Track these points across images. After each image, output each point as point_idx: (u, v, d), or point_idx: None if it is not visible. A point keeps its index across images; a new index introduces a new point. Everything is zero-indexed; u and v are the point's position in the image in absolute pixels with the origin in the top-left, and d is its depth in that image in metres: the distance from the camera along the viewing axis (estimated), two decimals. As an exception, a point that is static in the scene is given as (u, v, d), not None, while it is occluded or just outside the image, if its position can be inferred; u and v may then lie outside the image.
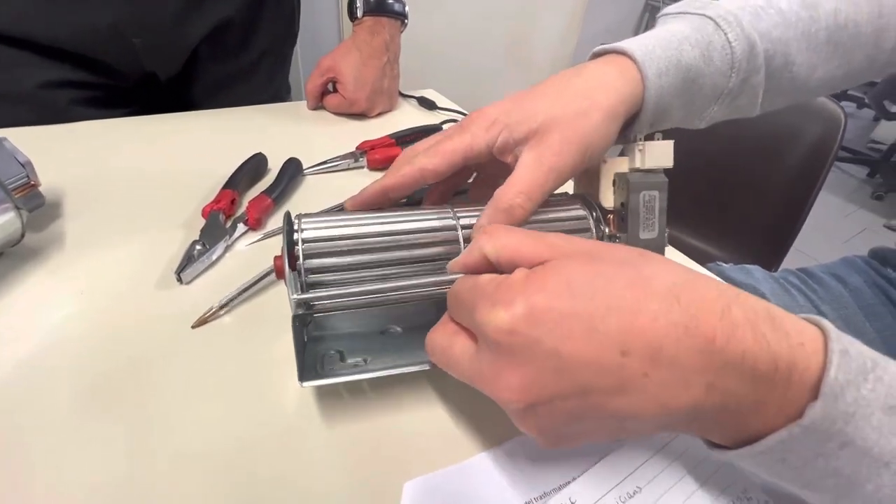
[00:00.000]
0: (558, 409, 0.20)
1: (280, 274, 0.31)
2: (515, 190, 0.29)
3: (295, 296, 0.27)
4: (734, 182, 1.02)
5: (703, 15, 0.32)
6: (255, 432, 0.27)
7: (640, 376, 0.19)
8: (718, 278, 0.43)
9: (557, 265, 0.21)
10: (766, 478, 0.22)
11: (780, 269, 0.94)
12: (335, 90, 0.65)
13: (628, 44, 0.31)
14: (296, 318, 0.28)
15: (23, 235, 0.37)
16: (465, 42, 1.93)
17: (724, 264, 0.63)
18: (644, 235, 0.35)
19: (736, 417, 0.20)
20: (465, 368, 0.23)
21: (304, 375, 0.26)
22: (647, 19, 2.52)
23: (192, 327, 0.32)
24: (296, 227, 0.29)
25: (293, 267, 0.28)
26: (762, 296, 0.55)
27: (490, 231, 0.24)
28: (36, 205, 0.39)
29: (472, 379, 0.23)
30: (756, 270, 0.60)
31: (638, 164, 0.32)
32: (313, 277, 0.29)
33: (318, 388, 0.30)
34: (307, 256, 0.28)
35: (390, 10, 0.62)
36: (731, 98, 0.33)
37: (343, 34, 1.67)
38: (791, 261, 0.93)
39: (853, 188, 2.43)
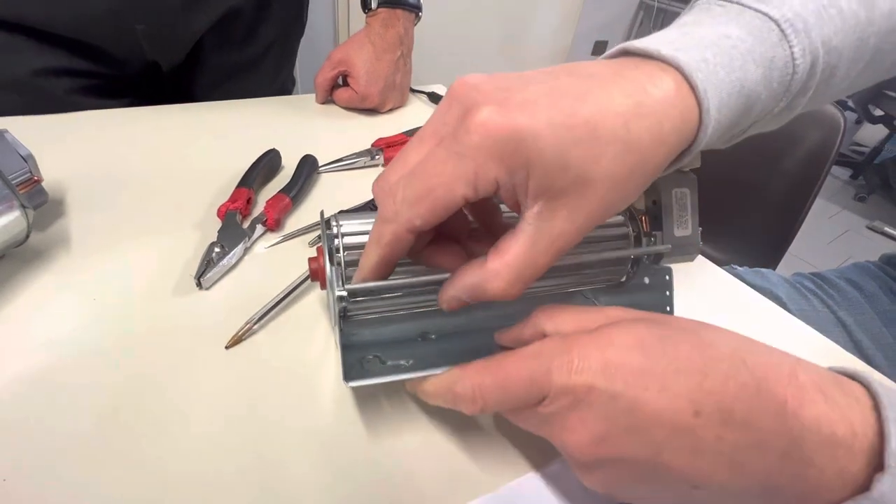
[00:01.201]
0: (626, 468, 0.20)
1: (316, 276, 0.29)
2: (509, 276, 0.21)
3: (339, 291, 0.26)
4: (733, 184, 1.02)
5: (766, 15, 0.24)
6: (288, 450, 0.26)
7: (713, 439, 0.19)
8: (739, 281, 0.43)
9: (624, 324, 0.21)
10: None
11: (776, 271, 0.95)
12: (345, 83, 0.63)
13: (683, 55, 0.21)
14: (341, 311, 0.26)
15: (28, 236, 0.34)
16: (459, 37, 1.91)
17: (738, 267, 0.63)
18: (678, 233, 0.35)
19: (816, 489, 0.19)
20: (526, 416, 0.23)
21: (348, 375, 0.25)
22: (642, 18, 2.53)
23: (226, 347, 0.30)
24: (334, 222, 0.28)
25: (332, 262, 0.27)
26: (778, 299, 0.55)
27: (548, 312, 0.24)
28: (39, 202, 0.37)
29: (538, 424, 0.22)
30: (771, 274, 0.60)
31: None
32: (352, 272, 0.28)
33: (358, 397, 0.28)
34: (347, 248, 0.28)
35: (405, 2, 0.60)
36: (766, 121, 0.27)
37: (338, 27, 1.63)
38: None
39: (836, 190, 2.49)
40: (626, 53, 0.23)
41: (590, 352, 0.20)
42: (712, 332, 0.21)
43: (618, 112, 0.20)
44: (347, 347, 0.29)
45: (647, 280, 0.32)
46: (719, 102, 0.22)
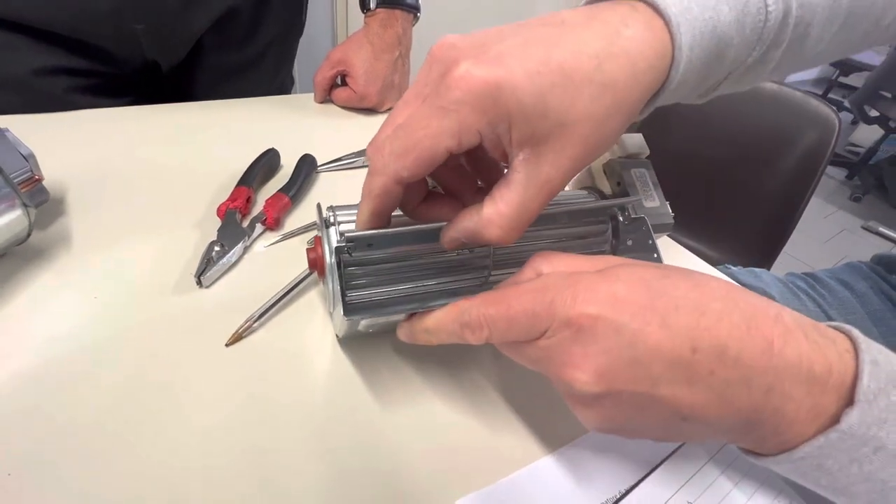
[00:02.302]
0: (624, 402, 0.21)
1: (314, 265, 0.30)
2: (503, 223, 0.22)
3: (335, 242, 0.27)
4: (728, 184, 1.03)
5: None
6: (288, 446, 0.26)
7: (707, 373, 0.20)
8: (733, 281, 0.44)
9: (627, 265, 0.22)
10: (801, 483, 0.23)
11: (771, 270, 0.96)
12: (344, 83, 0.63)
13: None
14: (337, 250, 0.27)
15: (29, 234, 0.34)
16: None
17: (732, 267, 0.63)
18: (648, 204, 0.38)
19: (791, 423, 0.20)
20: (526, 350, 0.23)
21: (347, 310, 0.25)
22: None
23: (227, 345, 0.31)
24: (330, 213, 0.29)
25: (327, 224, 0.29)
26: (771, 298, 0.56)
27: (546, 255, 0.24)
28: (40, 201, 0.37)
29: (539, 359, 0.22)
30: (764, 274, 0.61)
31: (620, 154, 0.36)
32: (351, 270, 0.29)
33: (360, 396, 0.29)
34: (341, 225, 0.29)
35: (404, 3, 0.61)
36: (739, 74, 0.27)
37: (336, 26, 1.63)
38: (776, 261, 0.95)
39: (832, 190, 2.50)
40: None
41: (597, 286, 0.20)
42: (702, 275, 0.22)
43: (590, 54, 0.21)
44: (347, 297, 0.29)
45: (629, 242, 0.33)
46: (692, 40, 0.22)
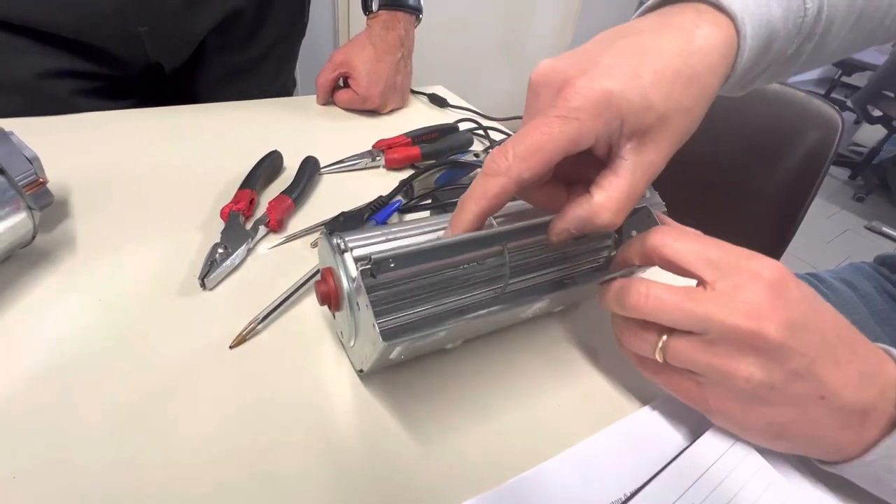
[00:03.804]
0: (790, 389, 0.23)
1: (326, 299, 0.27)
2: (615, 206, 0.25)
3: (356, 267, 0.25)
4: (731, 184, 1.03)
5: None
6: (292, 448, 0.26)
7: (846, 361, 0.24)
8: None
9: (790, 281, 0.24)
10: (871, 490, 0.25)
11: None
12: (346, 85, 0.63)
13: None
14: (363, 272, 0.25)
15: (34, 237, 0.34)
16: (460, 38, 1.92)
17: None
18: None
19: (860, 435, 0.24)
20: (689, 351, 0.24)
21: (386, 335, 0.23)
22: (641, 18, 2.53)
23: (231, 347, 0.31)
24: (338, 240, 0.26)
25: (341, 251, 0.26)
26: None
27: (666, 231, 0.26)
28: (45, 204, 0.37)
29: (701, 363, 0.24)
30: (768, 274, 0.61)
31: None
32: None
33: (363, 395, 0.29)
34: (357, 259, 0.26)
35: (406, 4, 0.61)
36: (778, 66, 0.30)
37: (338, 28, 1.64)
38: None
39: (835, 190, 2.50)
40: (667, 1, 0.27)
41: (764, 307, 0.23)
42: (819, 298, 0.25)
43: (674, 54, 0.25)
44: (378, 312, 0.26)
45: (634, 233, 0.32)
46: (752, 31, 0.26)
